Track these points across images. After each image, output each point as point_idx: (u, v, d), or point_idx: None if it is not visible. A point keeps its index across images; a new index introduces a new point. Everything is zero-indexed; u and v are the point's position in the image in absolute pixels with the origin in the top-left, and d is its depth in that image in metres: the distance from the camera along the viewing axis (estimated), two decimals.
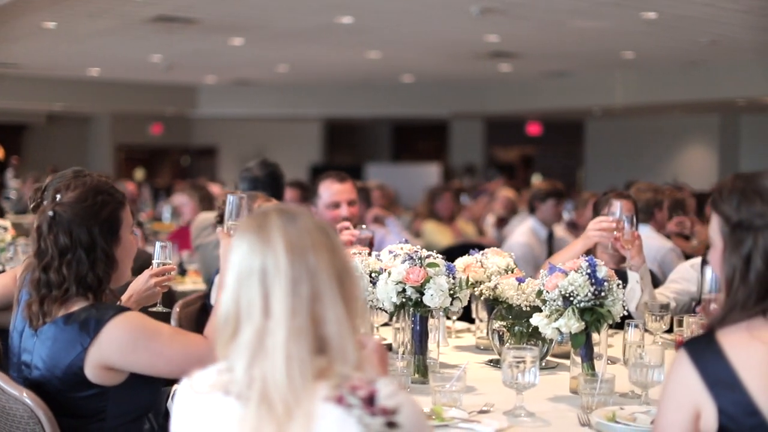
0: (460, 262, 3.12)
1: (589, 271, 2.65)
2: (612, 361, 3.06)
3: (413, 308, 2.82)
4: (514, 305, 2.98)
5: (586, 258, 2.71)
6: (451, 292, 2.83)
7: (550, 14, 8.89)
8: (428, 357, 2.89)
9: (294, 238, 1.66)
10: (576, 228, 7.45)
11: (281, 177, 4.80)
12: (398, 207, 10.69)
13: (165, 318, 3.05)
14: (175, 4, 8.44)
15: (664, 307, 3.31)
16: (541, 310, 2.74)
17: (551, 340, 2.91)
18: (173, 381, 2.44)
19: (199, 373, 1.71)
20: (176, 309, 3.69)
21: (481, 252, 3.21)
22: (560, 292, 2.65)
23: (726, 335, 1.78)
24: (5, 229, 5.07)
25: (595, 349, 2.75)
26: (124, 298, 2.80)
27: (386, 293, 2.80)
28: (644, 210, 4.64)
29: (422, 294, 2.78)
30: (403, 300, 2.80)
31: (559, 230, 6.79)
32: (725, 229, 1.86)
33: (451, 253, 3.31)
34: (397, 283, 2.78)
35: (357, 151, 19.84)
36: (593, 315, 2.64)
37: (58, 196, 2.48)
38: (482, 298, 3.14)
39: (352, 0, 8.40)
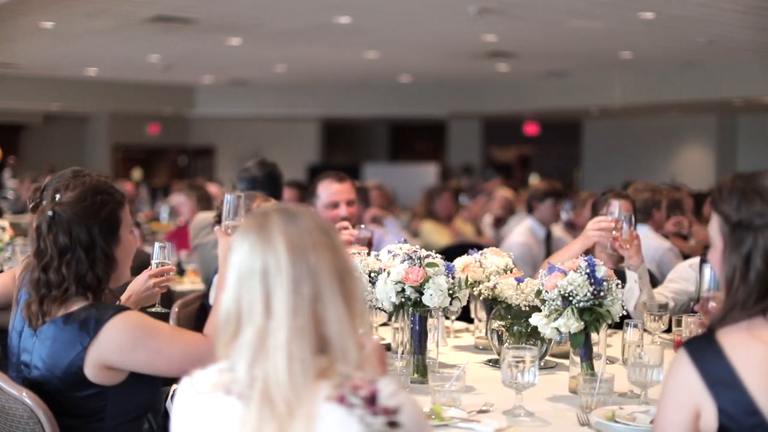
0: (459, 262, 3.13)
1: (588, 270, 2.66)
2: (611, 360, 3.06)
3: (412, 308, 2.82)
4: (513, 305, 2.98)
5: (585, 258, 2.72)
6: (450, 291, 2.83)
7: (548, 14, 8.89)
8: (427, 357, 2.89)
9: (295, 237, 1.66)
10: (574, 228, 7.46)
11: (280, 177, 4.80)
12: (396, 207, 10.68)
13: (164, 318, 3.04)
14: (173, 4, 8.43)
15: (663, 307, 3.31)
16: (540, 310, 2.75)
17: (550, 340, 2.91)
18: (173, 380, 2.44)
19: (200, 372, 1.70)
20: (175, 309, 3.69)
21: (480, 252, 3.22)
22: (559, 291, 2.65)
23: (726, 335, 1.79)
24: (3, 229, 5.05)
25: (594, 349, 2.76)
26: (123, 298, 2.80)
27: (385, 293, 2.80)
28: (642, 210, 4.64)
29: (421, 294, 2.78)
30: (402, 300, 2.80)
31: (557, 230, 6.79)
32: (725, 229, 1.86)
33: (448, 253, 3.31)
34: (396, 283, 2.78)
35: (355, 151, 19.83)
36: (592, 315, 2.65)
37: (58, 196, 2.48)
38: (481, 297, 3.15)
39: (350, 0, 8.40)
